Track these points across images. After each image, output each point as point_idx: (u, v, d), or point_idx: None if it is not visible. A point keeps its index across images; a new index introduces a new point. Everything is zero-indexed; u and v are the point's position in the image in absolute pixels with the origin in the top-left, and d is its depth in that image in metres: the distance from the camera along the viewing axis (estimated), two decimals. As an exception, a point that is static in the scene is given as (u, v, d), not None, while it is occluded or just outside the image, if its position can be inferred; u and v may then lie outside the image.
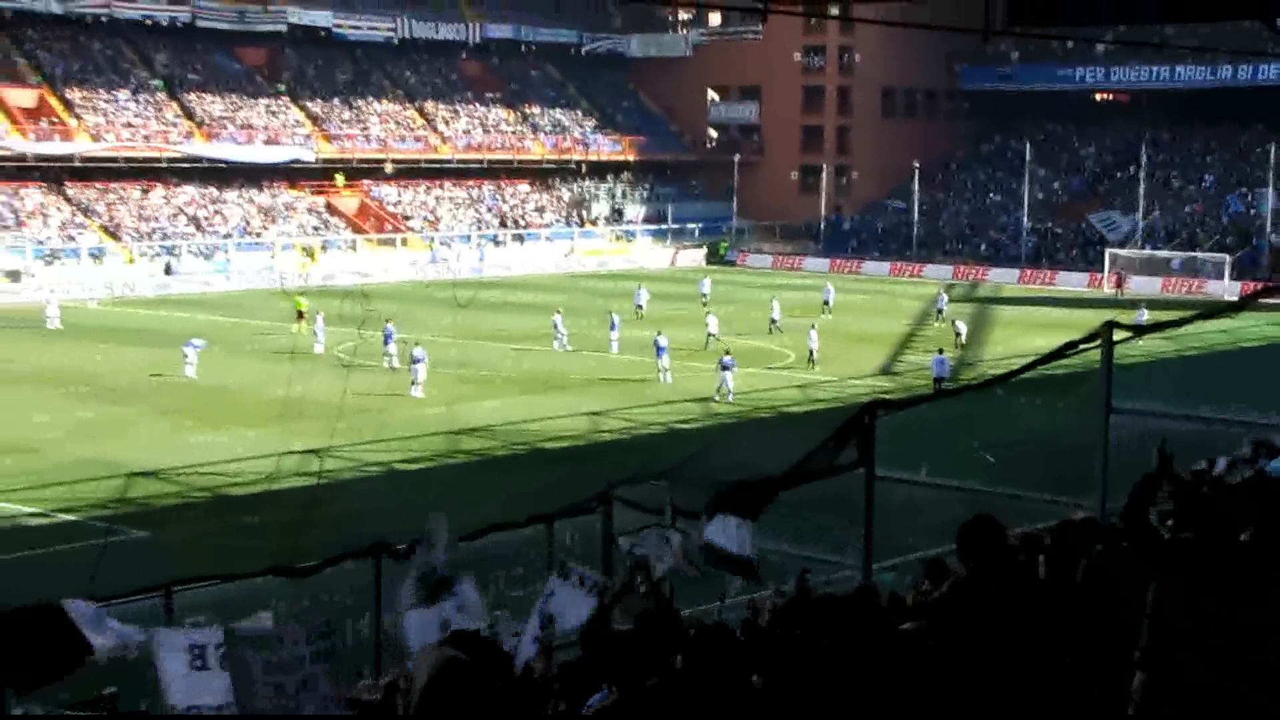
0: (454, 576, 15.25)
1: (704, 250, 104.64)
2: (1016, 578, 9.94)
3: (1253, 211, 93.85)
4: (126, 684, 16.81)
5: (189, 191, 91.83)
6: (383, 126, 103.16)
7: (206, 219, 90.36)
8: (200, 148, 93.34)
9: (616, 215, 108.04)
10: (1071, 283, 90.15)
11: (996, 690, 8.75)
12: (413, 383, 49.09)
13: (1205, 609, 8.32)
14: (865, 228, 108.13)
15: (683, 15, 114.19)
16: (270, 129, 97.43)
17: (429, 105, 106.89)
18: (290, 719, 11.68)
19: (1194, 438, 17.99)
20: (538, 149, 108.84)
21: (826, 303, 72.17)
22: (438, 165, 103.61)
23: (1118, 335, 18.89)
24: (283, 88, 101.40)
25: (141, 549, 29.52)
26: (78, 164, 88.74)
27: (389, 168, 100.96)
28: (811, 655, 8.89)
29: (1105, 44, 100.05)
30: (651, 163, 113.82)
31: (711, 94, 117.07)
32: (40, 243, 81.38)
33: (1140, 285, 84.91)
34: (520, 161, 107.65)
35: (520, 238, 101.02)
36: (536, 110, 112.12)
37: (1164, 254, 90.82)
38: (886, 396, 21.71)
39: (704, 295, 75.92)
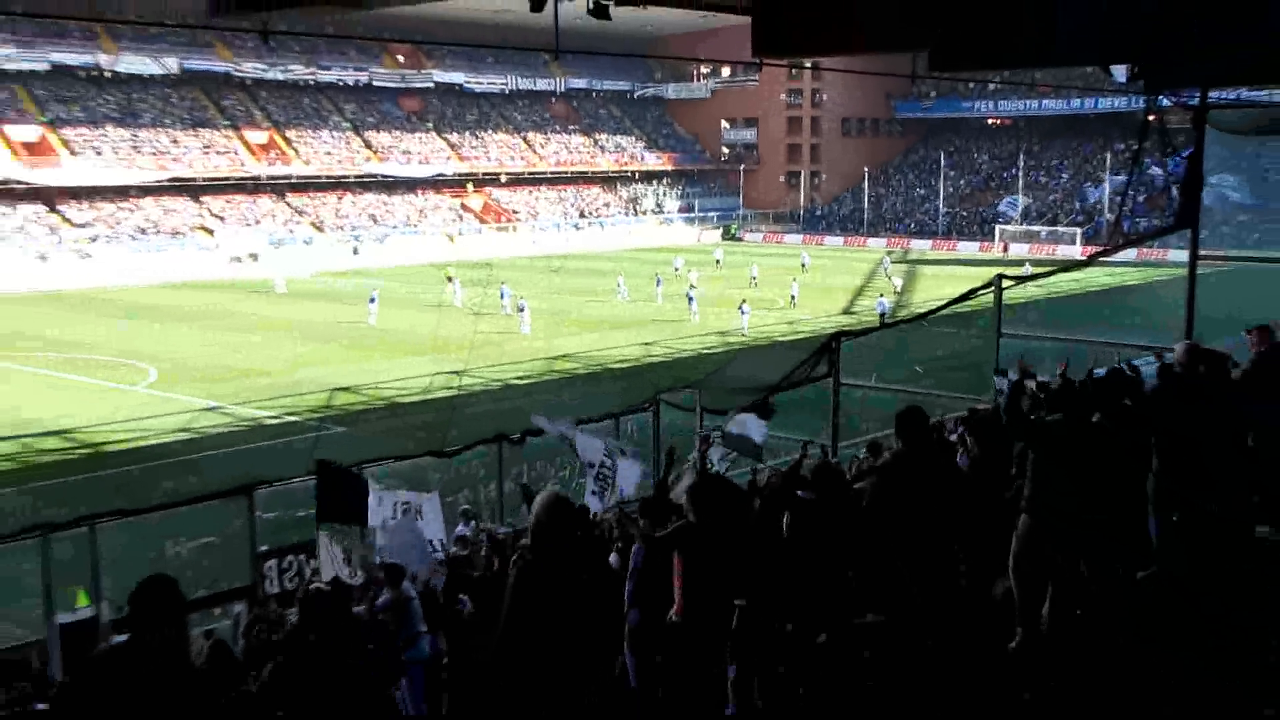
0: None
1: (719, 231, 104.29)
2: (937, 450, 9.97)
3: (1093, 200, 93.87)
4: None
5: (368, 198, 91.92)
6: (499, 150, 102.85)
7: (380, 216, 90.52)
8: (375, 167, 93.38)
9: (659, 208, 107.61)
10: (969, 249, 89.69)
11: (922, 525, 8.76)
12: (521, 324, 49.26)
13: (1067, 470, 8.28)
14: (831, 213, 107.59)
15: (703, 69, 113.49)
16: (422, 153, 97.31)
17: (530, 134, 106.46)
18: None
19: (1055, 352, 17.82)
20: (604, 163, 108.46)
21: (804, 265, 72.02)
22: (536, 175, 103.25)
23: (1005, 284, 18.75)
24: (430, 125, 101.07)
25: (341, 439, 29.75)
26: (294, 180, 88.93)
27: (503, 178, 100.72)
28: (803, 505, 8.95)
29: (994, 84, 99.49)
30: (683, 171, 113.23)
31: (724, 123, 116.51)
32: (270, 235, 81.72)
33: (1015, 250, 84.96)
34: (592, 172, 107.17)
35: (593, 224, 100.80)
36: (603, 136, 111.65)
37: (1035, 228, 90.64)
38: (847, 329, 21.64)
39: (718, 261, 75.92)
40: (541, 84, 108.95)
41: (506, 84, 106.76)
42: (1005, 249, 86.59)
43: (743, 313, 49.09)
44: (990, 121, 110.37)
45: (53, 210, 76.03)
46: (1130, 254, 62.52)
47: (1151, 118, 16.75)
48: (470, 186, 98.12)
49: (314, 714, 6.73)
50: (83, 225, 75.77)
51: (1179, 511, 9.48)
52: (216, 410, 35.22)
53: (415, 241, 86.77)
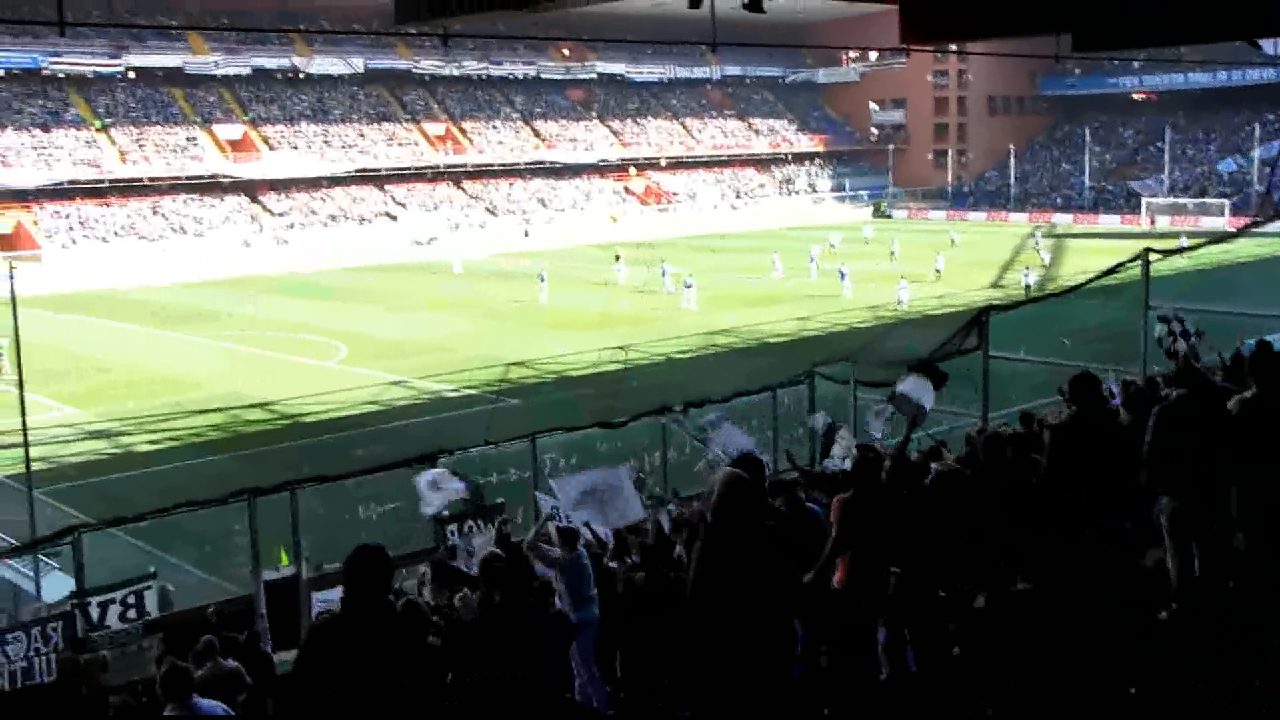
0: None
1: (870, 209, 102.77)
2: (1108, 413, 9.67)
3: (1242, 171, 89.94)
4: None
5: (537, 183, 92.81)
6: (658, 135, 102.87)
7: (548, 200, 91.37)
8: (544, 154, 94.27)
9: (812, 188, 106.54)
10: (1111, 222, 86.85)
11: (1092, 489, 8.52)
12: (684, 300, 49.27)
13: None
14: (977, 190, 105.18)
15: (852, 54, 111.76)
16: (586, 140, 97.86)
17: (688, 120, 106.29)
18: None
19: (1209, 324, 17.15)
20: (759, 146, 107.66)
21: (953, 241, 70.56)
22: (694, 159, 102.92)
23: (1152, 258, 18.09)
24: (594, 113, 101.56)
25: (516, 411, 30.16)
26: (469, 168, 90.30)
27: (663, 161, 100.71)
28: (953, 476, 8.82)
29: (1138, 60, 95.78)
30: (835, 152, 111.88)
31: (873, 105, 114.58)
32: (448, 219, 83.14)
33: (1161, 222, 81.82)
34: (747, 155, 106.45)
35: (749, 204, 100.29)
36: (758, 120, 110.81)
37: (1182, 200, 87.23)
38: (996, 302, 21.13)
39: (867, 238, 74.87)
40: (698, 72, 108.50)
41: (665, 73, 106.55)
42: (1152, 221, 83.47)
43: (901, 288, 48.42)
44: (1135, 96, 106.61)
45: (254, 201, 78.72)
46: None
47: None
48: (632, 170, 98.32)
49: (493, 673, 6.83)
50: (280, 214, 78.27)
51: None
52: (402, 384, 36.05)
53: (581, 224, 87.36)
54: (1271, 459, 8.24)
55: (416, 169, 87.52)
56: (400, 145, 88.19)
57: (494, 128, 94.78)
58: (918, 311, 46.20)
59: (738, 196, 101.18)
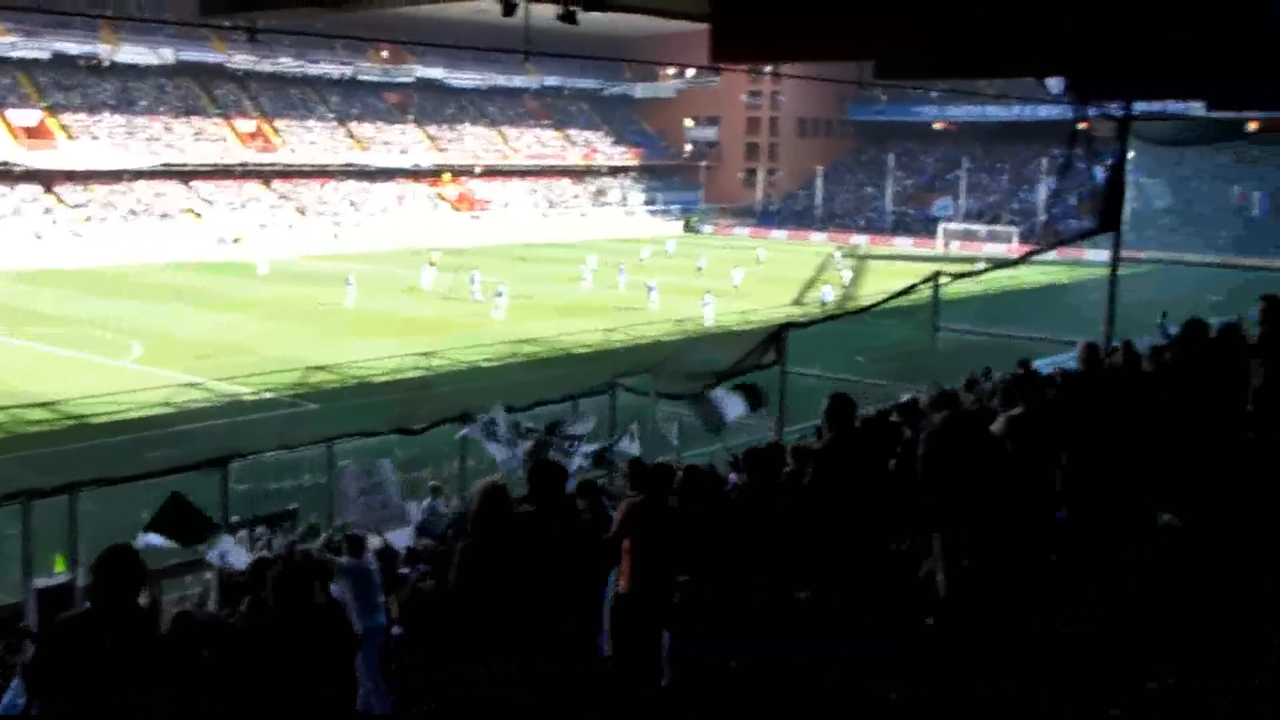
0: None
1: (681, 223, 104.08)
2: (867, 434, 9.93)
3: (1030, 201, 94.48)
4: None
5: (350, 185, 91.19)
6: (474, 142, 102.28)
7: (360, 202, 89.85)
8: (358, 156, 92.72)
9: (624, 201, 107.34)
10: (904, 244, 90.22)
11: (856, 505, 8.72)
12: (495, 309, 49.03)
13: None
14: (785, 209, 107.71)
15: (669, 70, 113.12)
16: (402, 144, 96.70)
17: (505, 128, 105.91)
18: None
19: (991, 345, 17.88)
20: (574, 157, 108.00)
21: (759, 259, 71.99)
22: (509, 167, 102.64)
23: (942, 280, 18.79)
24: (411, 118, 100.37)
25: (314, 415, 29.53)
26: (280, 167, 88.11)
27: (478, 169, 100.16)
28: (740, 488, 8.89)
29: (938, 90, 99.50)
30: (648, 166, 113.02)
31: (688, 121, 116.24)
32: (255, 218, 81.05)
33: (955, 248, 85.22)
34: (562, 165, 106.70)
35: (562, 215, 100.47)
36: (574, 132, 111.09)
37: (976, 227, 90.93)
38: (795, 319, 21.58)
39: (668, 252, 75.72)
40: (517, 81, 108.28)
41: (484, 81, 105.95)
42: (946, 246, 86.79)
43: (706, 303, 49.01)
44: (936, 126, 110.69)
45: (49, 191, 75.12)
46: (1068, 253, 62.62)
47: (1083, 126, 16.80)
48: (446, 176, 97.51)
49: (275, 685, 6.61)
50: (77, 206, 74.90)
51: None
52: (197, 386, 34.89)
53: (393, 228, 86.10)
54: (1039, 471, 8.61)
55: (225, 166, 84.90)
56: (209, 141, 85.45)
57: (307, 127, 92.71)
58: (721, 326, 46.92)
59: (551, 206, 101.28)
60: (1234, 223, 77.51)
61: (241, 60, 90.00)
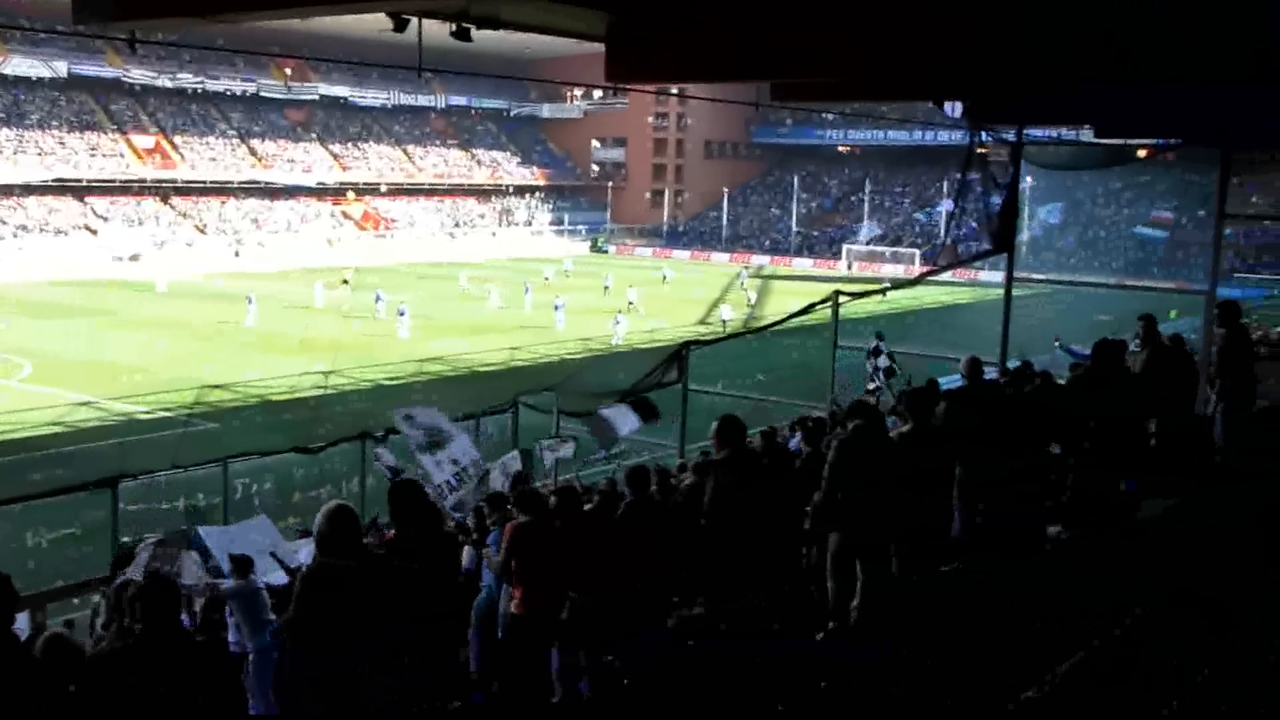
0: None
1: (588, 244, 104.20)
2: (759, 453, 10.04)
3: (933, 223, 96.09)
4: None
5: (251, 203, 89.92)
6: (379, 160, 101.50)
7: (262, 221, 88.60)
8: (260, 173, 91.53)
9: (530, 220, 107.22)
10: (805, 265, 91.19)
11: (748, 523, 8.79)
12: (399, 329, 48.66)
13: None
14: (691, 230, 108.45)
15: (576, 91, 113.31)
16: (305, 162, 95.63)
17: (410, 147, 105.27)
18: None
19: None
20: (480, 176, 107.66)
21: (665, 278, 72.36)
22: (414, 186, 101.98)
23: (841, 300, 19.00)
24: (314, 136, 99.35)
25: (211, 435, 29.00)
26: (179, 184, 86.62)
27: (383, 188, 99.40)
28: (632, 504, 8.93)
29: (840, 114, 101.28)
30: (555, 186, 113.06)
31: (595, 142, 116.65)
32: (153, 236, 79.48)
33: (858, 269, 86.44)
34: (469, 185, 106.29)
35: (468, 234, 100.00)
36: (480, 151, 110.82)
37: (879, 249, 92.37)
38: (698, 338, 21.69)
39: (567, 271, 75.39)
40: (423, 100, 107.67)
41: (389, 99, 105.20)
42: (849, 266, 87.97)
43: (617, 323, 49.11)
44: (841, 149, 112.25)
45: (-65, 206, 73.15)
46: (966, 273, 63.60)
47: (981, 150, 17.11)
48: (351, 195, 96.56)
49: (154, 708, 6.43)
50: (-35, 222, 72.98)
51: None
52: (90, 405, 34.10)
53: (295, 247, 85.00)
54: (928, 489, 8.76)
55: (122, 182, 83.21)
56: (105, 156, 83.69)
57: (207, 144, 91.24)
58: (628, 345, 46.99)
59: (457, 226, 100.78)
60: (1128, 246, 79.42)
61: (139, 75, 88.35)
